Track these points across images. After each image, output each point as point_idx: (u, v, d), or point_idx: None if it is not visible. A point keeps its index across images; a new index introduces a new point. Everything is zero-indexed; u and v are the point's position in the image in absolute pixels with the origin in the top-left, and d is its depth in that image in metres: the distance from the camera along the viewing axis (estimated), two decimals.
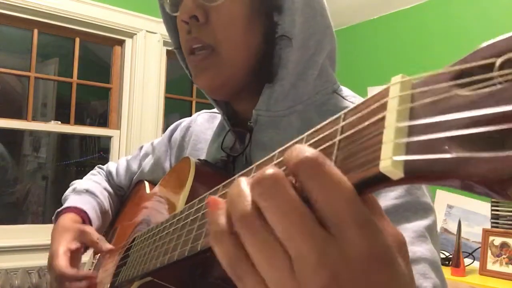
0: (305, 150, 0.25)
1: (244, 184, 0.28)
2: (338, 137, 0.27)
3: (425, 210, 0.56)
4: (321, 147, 0.28)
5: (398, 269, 0.26)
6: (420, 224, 0.54)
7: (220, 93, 0.66)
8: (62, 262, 0.76)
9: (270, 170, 0.26)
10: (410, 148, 0.22)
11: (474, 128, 0.19)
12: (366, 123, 0.25)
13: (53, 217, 0.91)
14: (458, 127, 0.20)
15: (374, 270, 0.25)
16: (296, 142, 0.31)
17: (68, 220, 0.87)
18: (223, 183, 0.43)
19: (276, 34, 0.63)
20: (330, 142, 0.28)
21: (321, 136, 0.29)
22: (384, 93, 0.25)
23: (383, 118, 0.24)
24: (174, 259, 0.48)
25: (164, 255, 0.52)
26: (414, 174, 0.21)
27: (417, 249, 0.51)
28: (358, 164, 0.24)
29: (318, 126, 0.30)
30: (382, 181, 0.23)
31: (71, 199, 0.94)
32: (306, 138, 0.31)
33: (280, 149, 0.33)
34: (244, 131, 0.69)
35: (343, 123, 0.27)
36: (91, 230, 0.83)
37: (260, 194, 0.26)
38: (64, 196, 0.99)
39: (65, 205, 0.92)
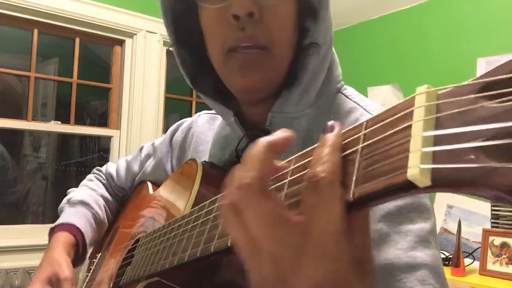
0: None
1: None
2: (361, 144, 0.28)
3: (428, 211, 0.56)
4: (343, 154, 0.29)
5: None
6: (424, 227, 0.54)
7: (261, 94, 0.64)
8: None
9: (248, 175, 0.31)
10: (437, 157, 0.22)
11: (501, 139, 0.20)
12: (391, 131, 0.25)
13: (48, 233, 0.91)
14: (485, 138, 0.20)
15: None
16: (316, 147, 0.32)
17: (58, 245, 0.86)
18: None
19: (305, 40, 0.63)
20: (353, 149, 0.28)
21: (342, 143, 0.30)
22: (409, 103, 0.25)
23: (409, 127, 0.24)
24: (185, 260, 0.48)
25: (173, 256, 0.52)
26: (441, 182, 0.22)
27: (418, 254, 0.51)
28: (383, 171, 0.25)
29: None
30: (407, 188, 0.24)
31: (66, 212, 0.94)
32: None
33: (297, 155, 0.34)
34: (260, 134, 0.69)
35: (366, 130, 0.28)
36: (67, 278, 0.81)
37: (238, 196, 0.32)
38: (59, 207, 0.99)
39: (59, 220, 0.92)
